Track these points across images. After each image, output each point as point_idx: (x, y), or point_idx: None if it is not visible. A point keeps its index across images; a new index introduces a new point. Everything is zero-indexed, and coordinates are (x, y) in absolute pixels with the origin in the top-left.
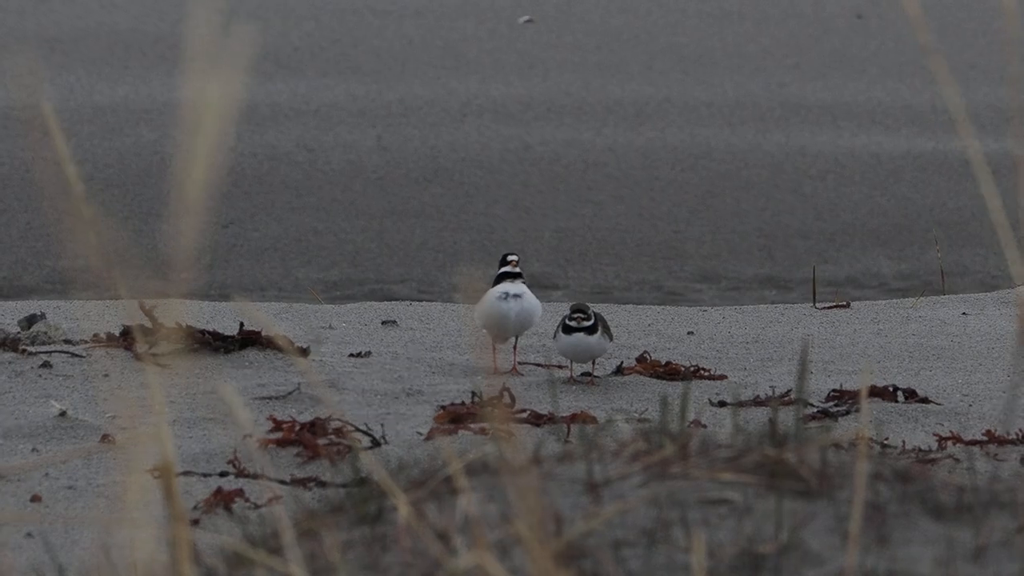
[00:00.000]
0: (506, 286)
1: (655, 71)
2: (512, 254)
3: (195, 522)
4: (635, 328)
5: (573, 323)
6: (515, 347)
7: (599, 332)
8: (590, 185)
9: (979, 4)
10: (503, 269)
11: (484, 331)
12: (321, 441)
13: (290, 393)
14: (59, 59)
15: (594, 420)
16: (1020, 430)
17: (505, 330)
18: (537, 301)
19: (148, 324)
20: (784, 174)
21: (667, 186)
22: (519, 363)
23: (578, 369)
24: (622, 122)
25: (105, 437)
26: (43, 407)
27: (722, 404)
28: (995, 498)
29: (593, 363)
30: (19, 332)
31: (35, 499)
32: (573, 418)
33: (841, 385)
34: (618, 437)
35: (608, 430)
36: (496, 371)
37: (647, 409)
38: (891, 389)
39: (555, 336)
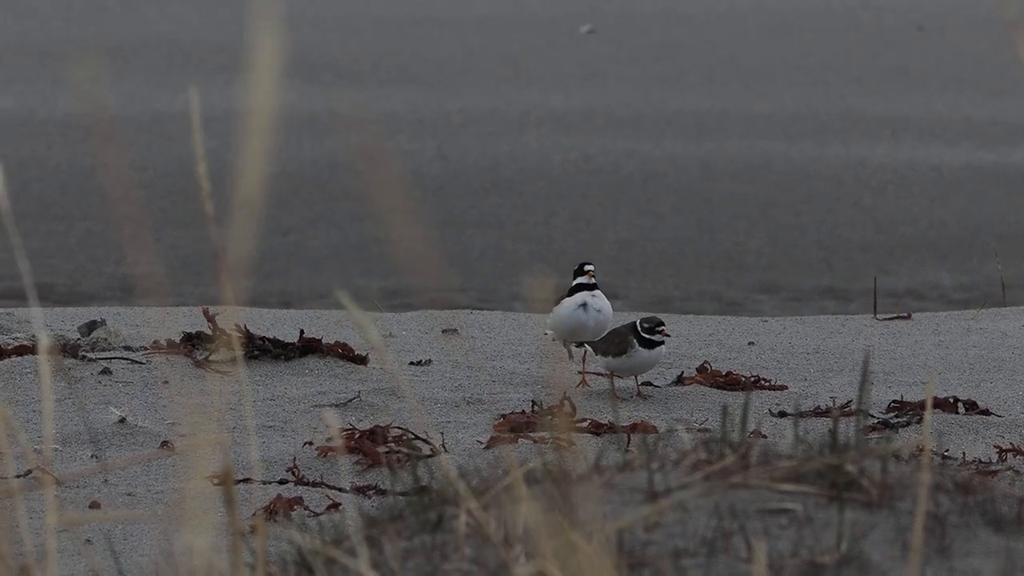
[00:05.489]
0: (584, 296)
1: (715, 83)
2: (589, 263)
3: (254, 529)
4: (695, 338)
5: (657, 336)
6: (584, 358)
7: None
8: (650, 196)
9: None
10: (579, 280)
11: (554, 337)
12: (381, 449)
13: (350, 401)
14: (119, 67)
15: (655, 430)
16: None
17: (580, 338)
18: (611, 310)
19: (208, 331)
20: (844, 186)
21: (727, 197)
22: (579, 372)
23: (634, 379)
24: (682, 133)
25: (165, 444)
26: (103, 413)
27: (783, 415)
28: None
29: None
30: (79, 338)
31: (94, 505)
32: (634, 428)
33: (902, 396)
34: (679, 447)
35: (669, 440)
36: (562, 383)
37: (707, 419)
38: (952, 401)
39: (624, 354)
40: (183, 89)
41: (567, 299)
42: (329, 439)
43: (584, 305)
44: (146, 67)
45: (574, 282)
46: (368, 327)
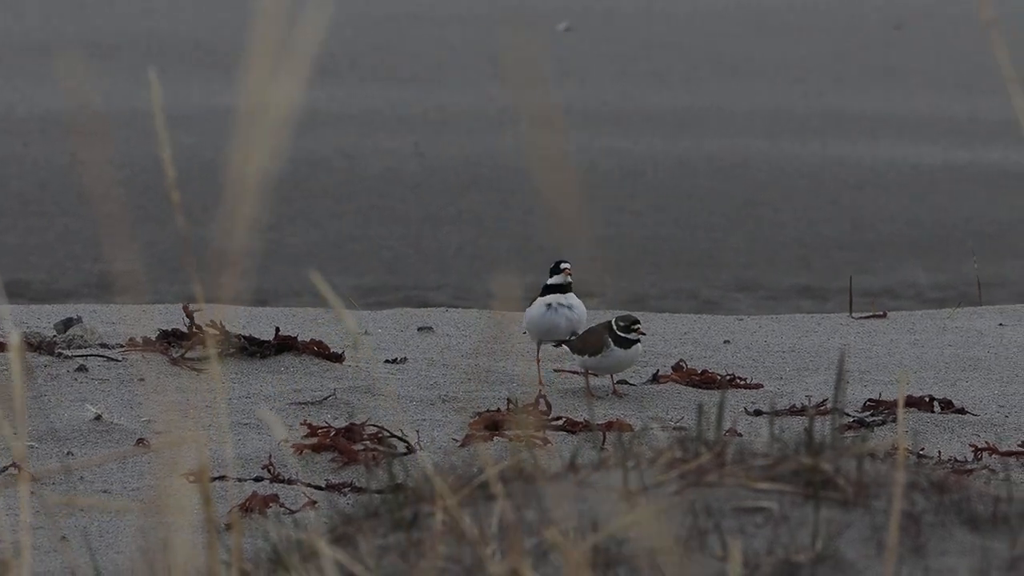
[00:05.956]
0: (553, 297)
1: (694, 80)
2: (565, 261)
3: (229, 526)
4: (671, 336)
5: (632, 335)
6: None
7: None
8: (629, 193)
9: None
10: (553, 279)
11: (529, 337)
12: (356, 447)
13: (325, 398)
14: (98, 64)
15: (630, 428)
16: None
17: (554, 337)
18: (584, 309)
19: (184, 328)
20: (822, 184)
21: (705, 195)
22: (556, 370)
23: (610, 378)
24: (661, 131)
25: (140, 441)
26: (79, 411)
27: (758, 413)
28: None
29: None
30: (55, 335)
31: (70, 503)
32: (609, 426)
33: (878, 395)
34: (654, 445)
35: (644, 438)
36: (541, 382)
37: (683, 417)
38: (927, 399)
39: (600, 353)
40: (162, 85)
41: (537, 299)
42: (285, 439)
43: (551, 306)
44: (125, 64)
45: (548, 281)
46: (344, 314)
